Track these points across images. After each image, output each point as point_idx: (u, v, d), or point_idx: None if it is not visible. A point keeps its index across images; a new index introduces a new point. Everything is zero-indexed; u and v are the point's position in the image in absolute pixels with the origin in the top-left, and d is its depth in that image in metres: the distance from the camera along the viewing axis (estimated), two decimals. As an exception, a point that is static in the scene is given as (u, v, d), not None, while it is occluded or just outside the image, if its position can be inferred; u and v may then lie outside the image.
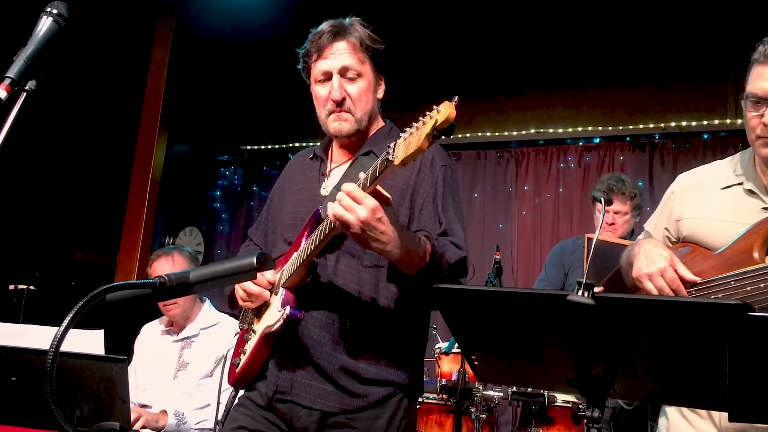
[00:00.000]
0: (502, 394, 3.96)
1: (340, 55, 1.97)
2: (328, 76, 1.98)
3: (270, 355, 1.99)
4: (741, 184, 1.89)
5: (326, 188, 2.06)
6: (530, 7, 5.86)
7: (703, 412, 1.85)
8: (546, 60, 6.01)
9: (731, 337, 1.13)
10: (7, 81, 1.33)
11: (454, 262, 1.83)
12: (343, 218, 1.63)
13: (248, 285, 1.96)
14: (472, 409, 3.85)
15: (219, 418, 2.65)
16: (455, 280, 1.85)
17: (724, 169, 1.98)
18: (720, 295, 1.74)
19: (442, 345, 4.23)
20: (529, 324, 1.33)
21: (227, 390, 2.23)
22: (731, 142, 5.37)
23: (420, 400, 3.91)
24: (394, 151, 1.55)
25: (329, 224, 1.74)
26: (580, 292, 1.21)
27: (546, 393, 3.73)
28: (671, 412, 1.96)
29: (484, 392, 3.88)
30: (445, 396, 4.02)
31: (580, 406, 3.66)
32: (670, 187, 2.08)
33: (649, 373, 1.33)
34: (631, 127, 5.91)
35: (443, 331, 4.54)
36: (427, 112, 1.50)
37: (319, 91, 2.01)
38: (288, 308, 1.87)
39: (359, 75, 1.98)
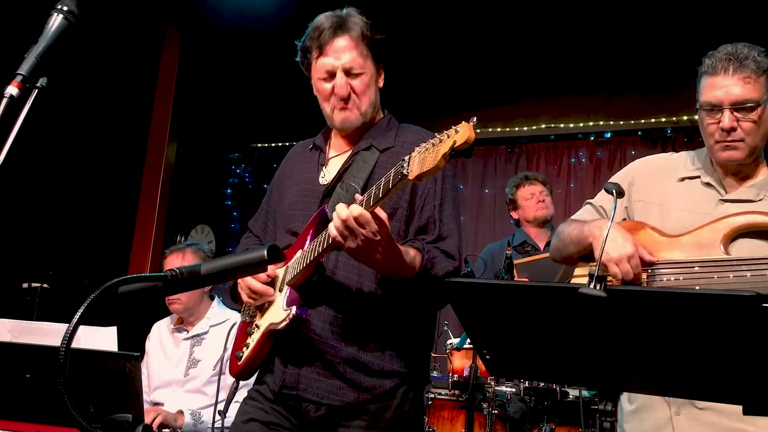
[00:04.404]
0: (514, 390, 3.94)
1: (342, 52, 1.97)
2: (331, 74, 1.99)
3: (275, 348, 1.99)
4: (698, 177, 2.01)
5: (325, 177, 2.07)
6: (541, 3, 5.83)
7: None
8: (556, 55, 5.98)
9: (745, 328, 1.12)
10: (19, 78, 1.34)
11: (443, 275, 1.86)
12: (345, 239, 1.69)
13: (251, 282, 1.96)
14: (484, 405, 3.83)
15: (221, 408, 2.67)
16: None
17: (681, 162, 2.09)
18: (681, 278, 1.83)
19: (454, 341, 4.21)
20: (541, 318, 1.33)
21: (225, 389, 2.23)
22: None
23: (431, 396, 3.90)
24: (408, 165, 1.57)
25: (329, 238, 1.76)
26: (592, 285, 1.20)
27: (558, 388, 3.71)
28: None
29: (496, 388, 3.87)
30: (456, 392, 4.00)
31: (593, 401, 3.64)
32: (629, 170, 2.15)
33: (661, 366, 1.32)
34: (642, 121, 5.88)
35: (455, 326, 4.53)
36: (445, 131, 1.51)
37: (322, 86, 2.02)
38: (294, 308, 1.86)
39: (362, 69, 1.99)
